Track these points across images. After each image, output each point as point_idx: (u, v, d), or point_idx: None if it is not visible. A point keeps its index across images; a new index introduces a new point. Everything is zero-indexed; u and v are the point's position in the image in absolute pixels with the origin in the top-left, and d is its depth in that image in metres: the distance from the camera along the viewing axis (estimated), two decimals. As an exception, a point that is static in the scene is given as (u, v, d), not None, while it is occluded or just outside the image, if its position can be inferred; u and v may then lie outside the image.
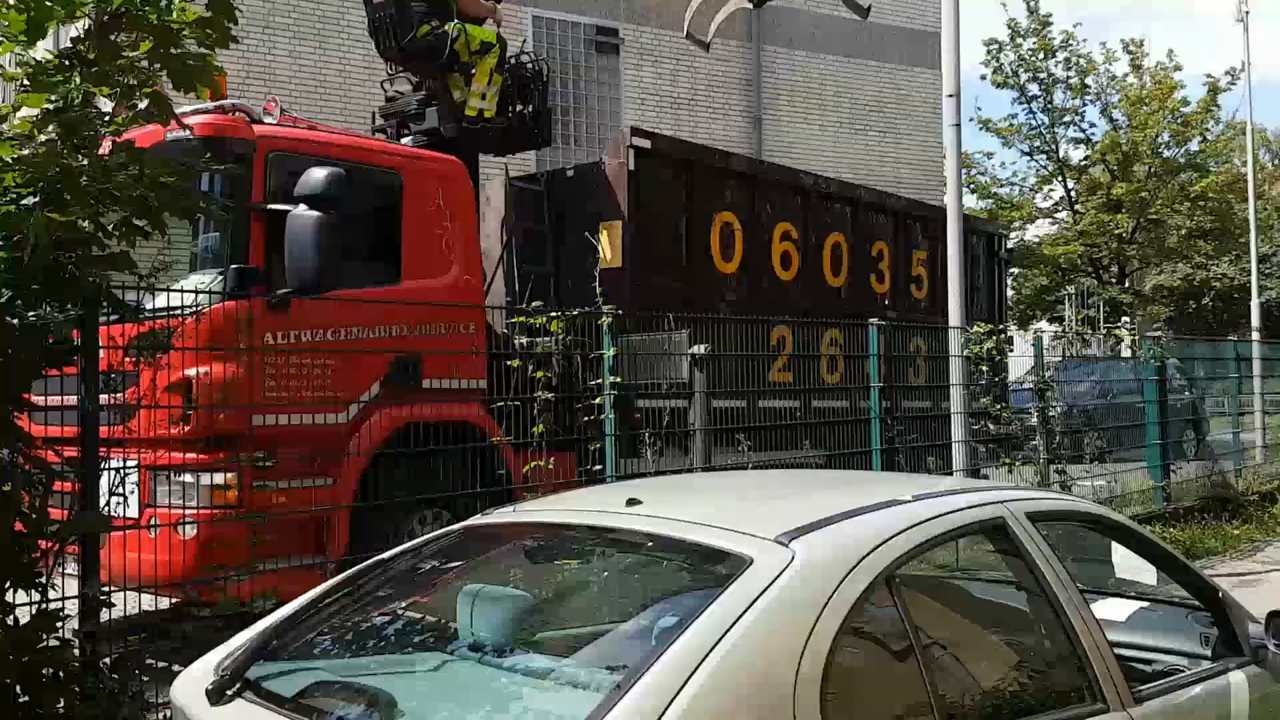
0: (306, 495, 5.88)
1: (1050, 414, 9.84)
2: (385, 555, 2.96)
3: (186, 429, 5.49)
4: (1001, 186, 29.63)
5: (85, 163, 3.58)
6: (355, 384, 6.28)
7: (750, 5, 10.88)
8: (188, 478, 5.49)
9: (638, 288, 8.00)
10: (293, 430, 5.88)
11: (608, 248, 8.08)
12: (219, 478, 5.49)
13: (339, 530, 6.00)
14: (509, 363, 6.30)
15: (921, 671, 2.32)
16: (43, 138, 3.79)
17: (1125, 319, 28.60)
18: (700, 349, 6.76)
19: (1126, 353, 16.62)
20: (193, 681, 2.49)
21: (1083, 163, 29.05)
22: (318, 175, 5.88)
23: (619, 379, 6.09)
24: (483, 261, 7.65)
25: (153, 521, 5.00)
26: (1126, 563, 3.79)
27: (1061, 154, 28.97)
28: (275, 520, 5.47)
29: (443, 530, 3.09)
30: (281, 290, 5.88)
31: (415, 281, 6.69)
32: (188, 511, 5.16)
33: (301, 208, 5.83)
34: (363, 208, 6.47)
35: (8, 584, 3.65)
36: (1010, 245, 14.95)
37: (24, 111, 3.83)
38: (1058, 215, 30.02)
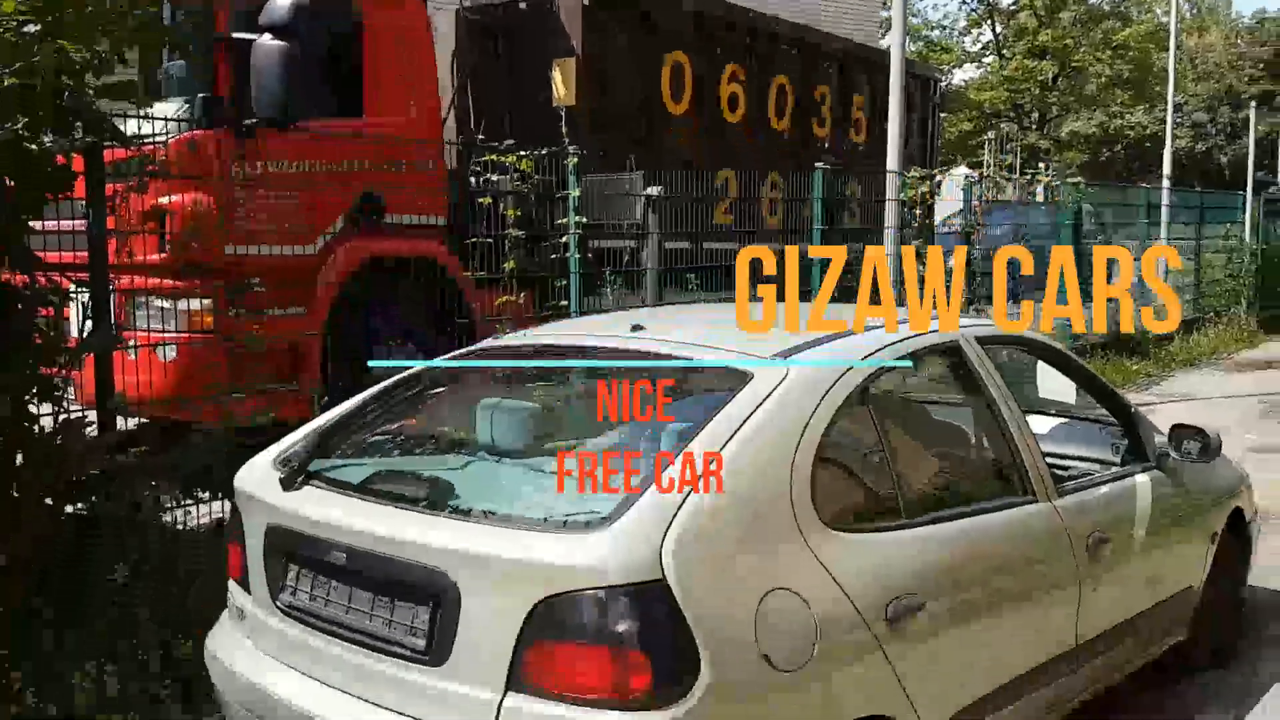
0: (280, 324, 6.09)
1: (973, 255, 10.38)
2: (411, 371, 3.28)
3: (162, 256, 5.61)
4: (933, 29, 29.69)
5: (89, -9, 3.63)
6: (322, 217, 6.42)
7: None
8: (164, 303, 5.65)
9: (591, 125, 8.14)
10: (262, 261, 6.04)
11: (561, 85, 8.16)
12: (196, 303, 5.67)
13: (312, 358, 6.25)
14: (480, 200, 6.48)
15: (889, 465, 2.78)
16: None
17: (1042, 165, 29.32)
18: (655, 190, 7.01)
19: (1039, 198, 17.26)
20: (256, 474, 2.82)
21: (1012, 7, 29.16)
22: (283, 4, 5.87)
23: (584, 218, 6.33)
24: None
25: (164, 344, 5.20)
26: (1047, 385, 4.31)
27: (991, -2, 29.06)
28: (248, 346, 5.69)
29: (463, 350, 3.41)
30: (248, 120, 5.93)
31: (377, 116, 6.75)
32: (177, 335, 5.36)
33: (266, 37, 5.84)
34: (325, 38, 6.45)
35: (32, 394, 3.88)
36: (943, 89, 15.20)
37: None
38: (985, 60, 30.28)
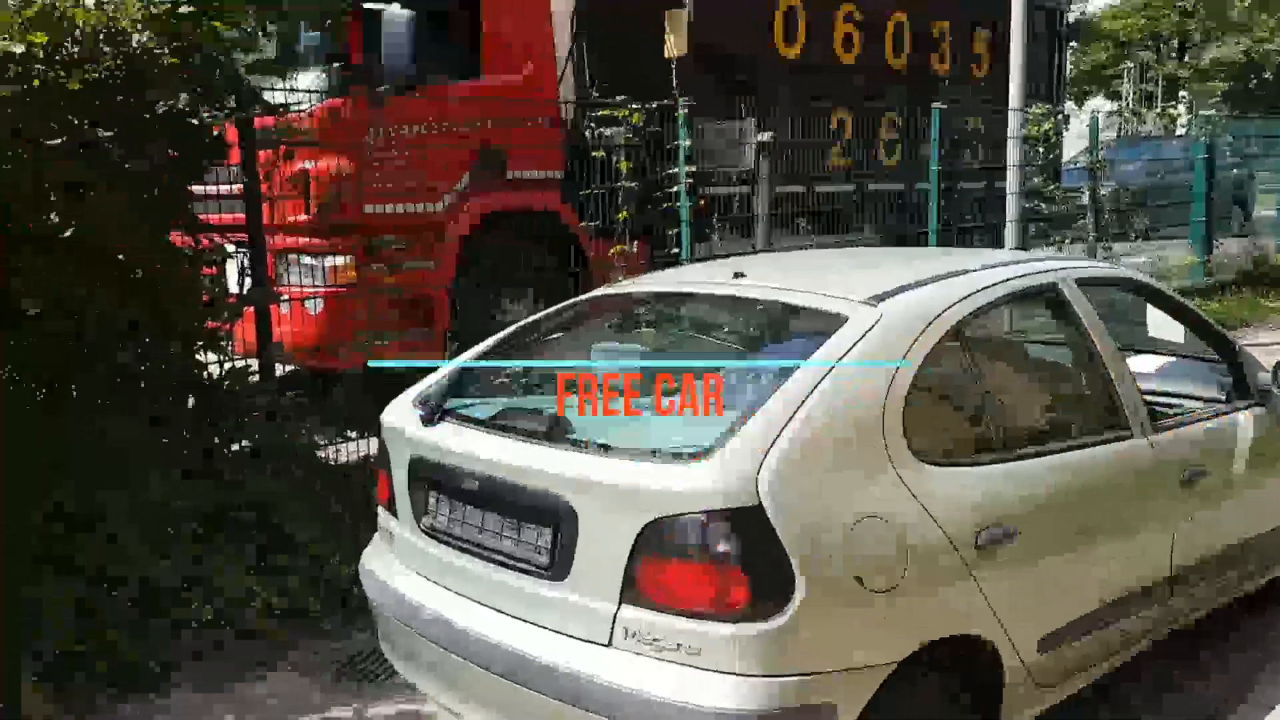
0: (412, 276, 6.48)
1: (1100, 193, 10.14)
2: (532, 318, 3.56)
3: (308, 218, 6.05)
4: (1064, -46, 28.36)
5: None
6: (448, 175, 6.77)
7: None
8: (311, 259, 6.11)
9: (703, 74, 8.24)
10: (396, 218, 6.43)
11: (672, 36, 8.27)
12: (339, 259, 6.11)
13: (442, 306, 6.64)
14: (593, 154, 6.73)
15: (983, 404, 2.93)
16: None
17: (1182, 94, 27.92)
18: (765, 136, 7.11)
19: (1181, 130, 16.56)
20: (399, 412, 3.15)
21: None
22: (409, -27, 6.17)
23: (694, 168, 6.51)
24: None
25: (312, 298, 5.66)
26: (1156, 324, 4.33)
27: (1129, -83, 27.57)
28: (387, 298, 6.12)
29: (577, 298, 3.68)
30: (380, 86, 6.28)
31: (495, 76, 7.05)
32: (323, 289, 5.81)
33: (395, 6, 6.16)
34: (446, 4, 6.75)
35: (199, 345, 4.34)
36: (1071, 20, 14.64)
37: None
38: (1120, -15, 28.82)
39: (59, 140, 3.45)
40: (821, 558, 2.40)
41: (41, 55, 3.62)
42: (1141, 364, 4.17)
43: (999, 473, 2.82)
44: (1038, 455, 2.95)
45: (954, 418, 2.93)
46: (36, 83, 3.51)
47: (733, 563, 2.34)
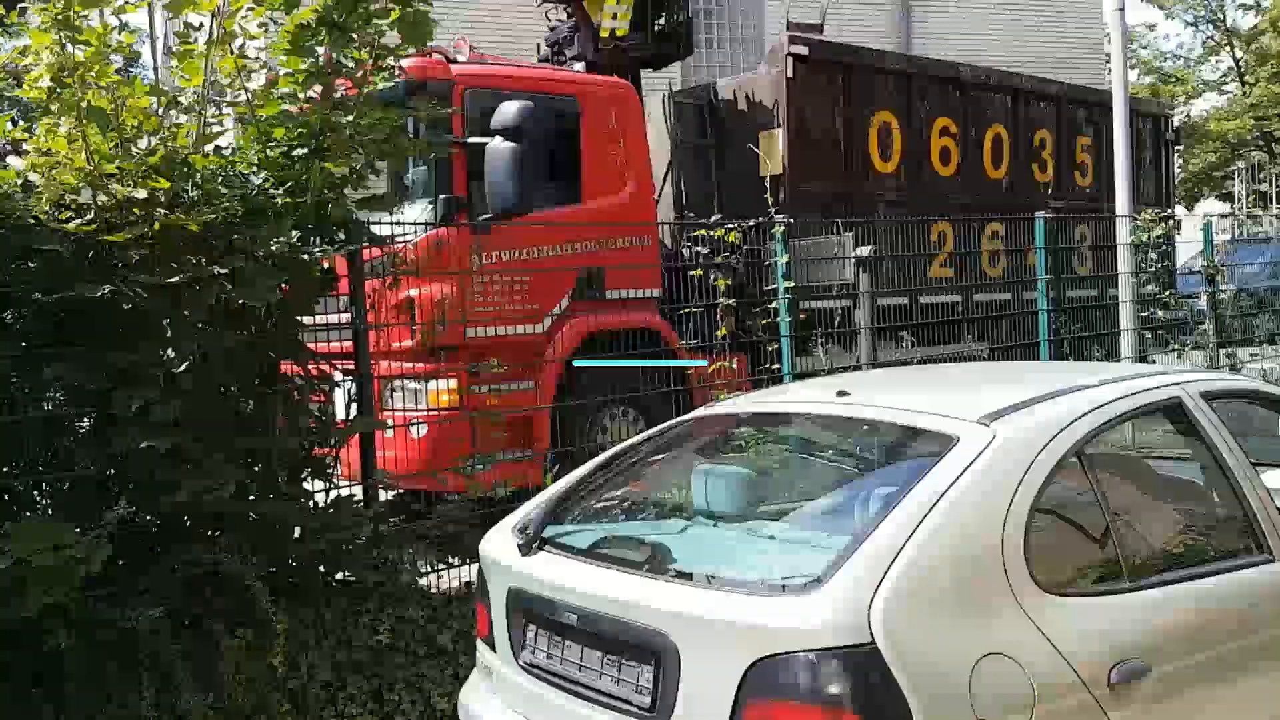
0: (514, 397, 6.54)
1: (1219, 298, 9.76)
2: (632, 440, 3.52)
3: (413, 343, 6.18)
4: (1164, 60, 28.16)
5: (349, 118, 4.16)
6: (549, 298, 6.89)
7: None
8: (415, 384, 6.22)
9: (799, 192, 8.31)
10: (498, 341, 6.53)
11: (768, 156, 8.39)
12: (443, 384, 6.20)
13: (543, 427, 6.66)
14: (692, 272, 6.78)
15: (1109, 528, 2.75)
16: (302, 95, 4.41)
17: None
18: (865, 251, 7.06)
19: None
20: (497, 541, 3.11)
21: (1252, 31, 27.26)
22: (511, 109, 6.39)
23: (792, 283, 6.51)
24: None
25: (418, 422, 5.74)
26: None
27: (1229, 22, 27.27)
28: (490, 420, 6.15)
29: (677, 419, 3.63)
30: (484, 216, 6.47)
31: (595, 200, 7.20)
32: (428, 413, 5.88)
33: (498, 139, 6.37)
34: (547, 135, 6.97)
35: (306, 473, 4.40)
36: (1176, 125, 14.39)
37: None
38: (1225, 88, 28.36)
39: (177, 279, 3.59)
40: (942, 699, 2.24)
41: (162, 199, 3.81)
42: (1276, 480, 3.89)
43: (1129, 603, 2.62)
44: (1170, 583, 2.75)
45: (1079, 544, 2.75)
46: (157, 226, 3.68)
47: (846, 706, 2.20)
